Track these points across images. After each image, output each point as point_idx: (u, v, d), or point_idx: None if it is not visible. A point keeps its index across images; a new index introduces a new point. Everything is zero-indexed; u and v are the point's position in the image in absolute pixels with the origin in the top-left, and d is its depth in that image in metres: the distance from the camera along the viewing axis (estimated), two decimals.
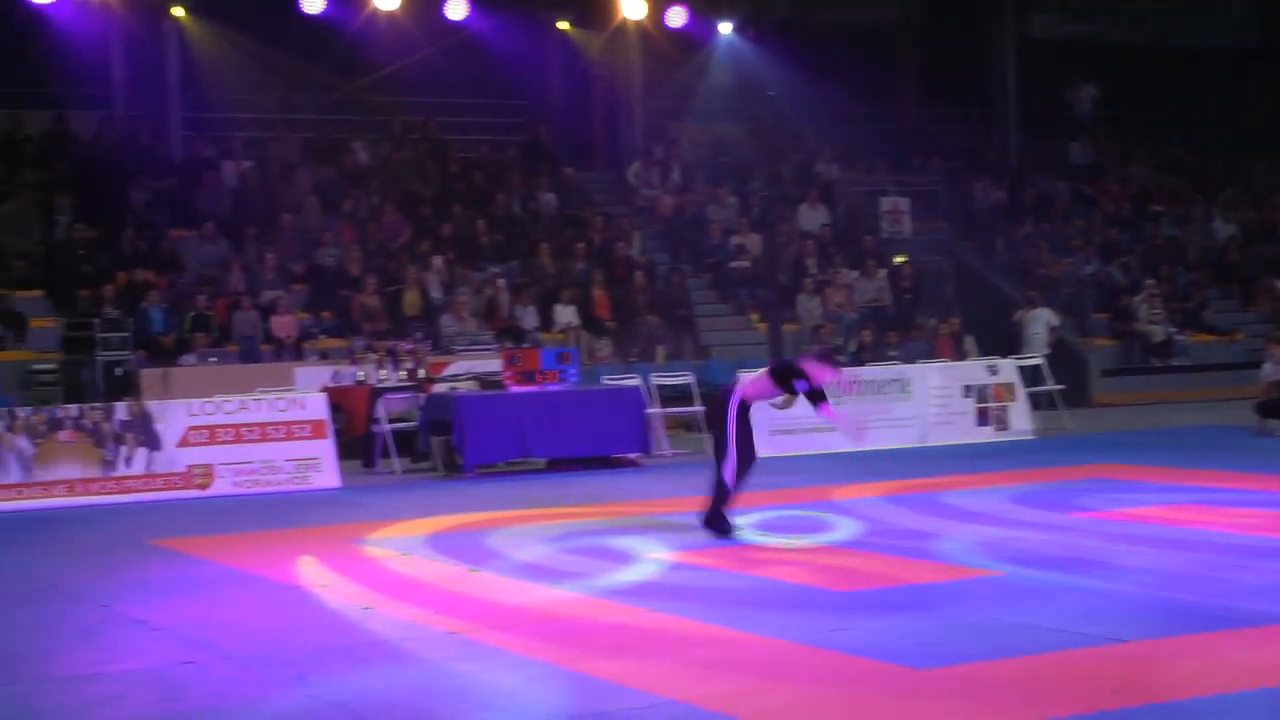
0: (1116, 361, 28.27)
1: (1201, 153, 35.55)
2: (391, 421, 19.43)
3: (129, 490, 17.17)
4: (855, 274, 27.88)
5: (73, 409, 17.60)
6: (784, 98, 27.02)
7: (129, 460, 17.26)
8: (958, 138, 34.19)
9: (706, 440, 20.53)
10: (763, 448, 19.79)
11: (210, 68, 27.42)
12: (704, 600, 10.28)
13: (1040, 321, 26.60)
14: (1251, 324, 29.72)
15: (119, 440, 17.25)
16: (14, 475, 16.80)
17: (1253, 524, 12.95)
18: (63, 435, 17.09)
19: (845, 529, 13.45)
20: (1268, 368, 21.18)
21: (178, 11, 26.85)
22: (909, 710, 7.45)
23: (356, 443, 19.68)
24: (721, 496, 13.09)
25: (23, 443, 16.87)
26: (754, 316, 26.76)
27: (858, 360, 24.11)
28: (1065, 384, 23.96)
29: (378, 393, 19.67)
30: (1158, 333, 28.32)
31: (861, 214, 30.55)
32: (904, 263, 28.84)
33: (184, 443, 17.50)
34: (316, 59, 28.69)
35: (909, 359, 23.59)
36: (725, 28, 29.12)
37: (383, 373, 20.53)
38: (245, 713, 7.82)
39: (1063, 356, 25.91)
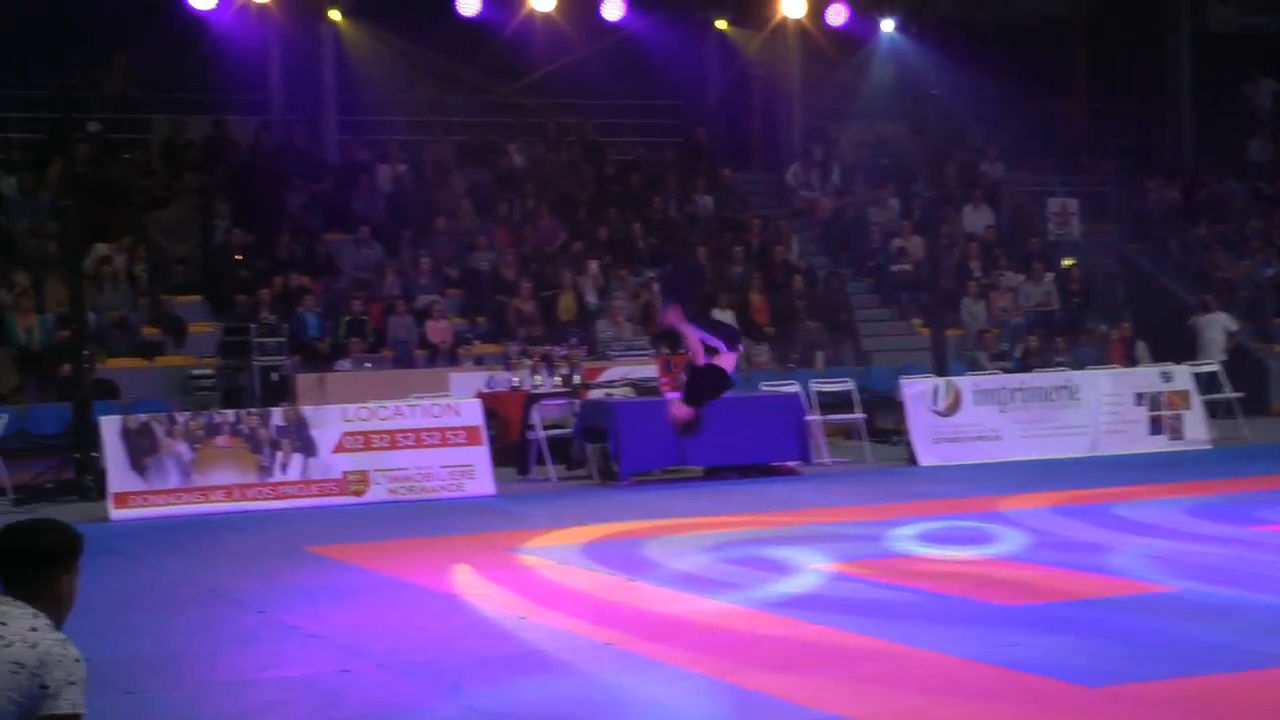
0: None
1: None
2: (546, 428, 19.51)
3: (285, 496, 17.41)
4: (1021, 277, 27.51)
5: (230, 414, 17.92)
6: (947, 96, 26.75)
7: (285, 466, 17.52)
8: (1129, 136, 33.61)
9: (868, 449, 20.53)
10: (926, 456, 19.81)
11: (366, 71, 27.74)
12: (866, 613, 10.22)
13: (1217, 326, 26.04)
14: None
15: (275, 446, 17.52)
16: (173, 480, 17.11)
17: None
18: (220, 440, 17.39)
19: (1012, 541, 13.29)
20: None
21: (334, 15, 27.21)
22: None
23: (511, 449, 19.80)
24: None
25: (181, 448, 17.20)
26: (916, 321, 26.53)
27: (1024, 366, 23.80)
28: (1244, 391, 23.44)
29: (532, 399, 19.77)
30: None
31: (1028, 215, 30.13)
32: (1072, 265, 28.42)
33: (339, 448, 17.72)
34: (472, 61, 28.90)
35: (1078, 365, 23.23)
36: (887, 25, 28.87)
37: (537, 378, 20.64)
38: None
39: (1241, 363, 25.36)
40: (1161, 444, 20.68)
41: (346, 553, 13.94)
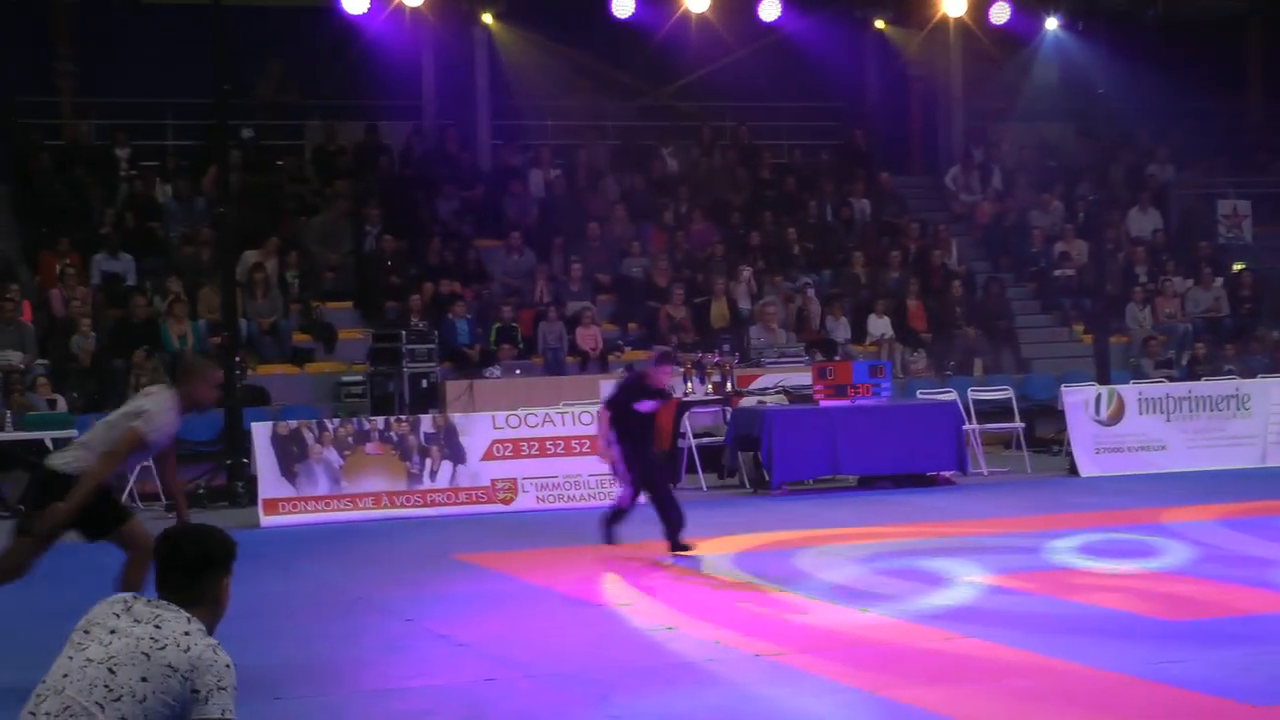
0: None
1: None
2: (698, 436, 19.56)
3: (433, 504, 17.62)
4: (1189, 282, 27.09)
5: (379, 421, 18.13)
6: (1114, 96, 26.38)
7: (434, 473, 17.72)
8: None
9: (1028, 459, 20.33)
10: (1088, 467, 19.57)
11: (518, 75, 27.95)
12: (1023, 626, 10.13)
13: None
14: None
15: (424, 453, 17.73)
16: (322, 487, 17.38)
17: None
18: (370, 447, 17.63)
19: (1176, 554, 13.10)
20: None
21: (487, 19, 27.45)
22: None
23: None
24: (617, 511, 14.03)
25: (331, 454, 17.47)
26: (1079, 328, 26.21)
27: (1191, 374, 23.43)
28: None
29: (684, 407, 19.81)
30: None
31: (1197, 218, 29.65)
32: (1243, 270, 27.93)
33: (488, 456, 17.90)
34: (625, 64, 29.02)
35: (1248, 373, 22.84)
36: (1051, 23, 28.55)
37: (689, 386, 20.68)
38: None
39: None
40: None
41: (495, 561, 14.07)
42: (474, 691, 8.84)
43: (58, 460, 9.64)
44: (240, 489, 18.34)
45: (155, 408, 9.33)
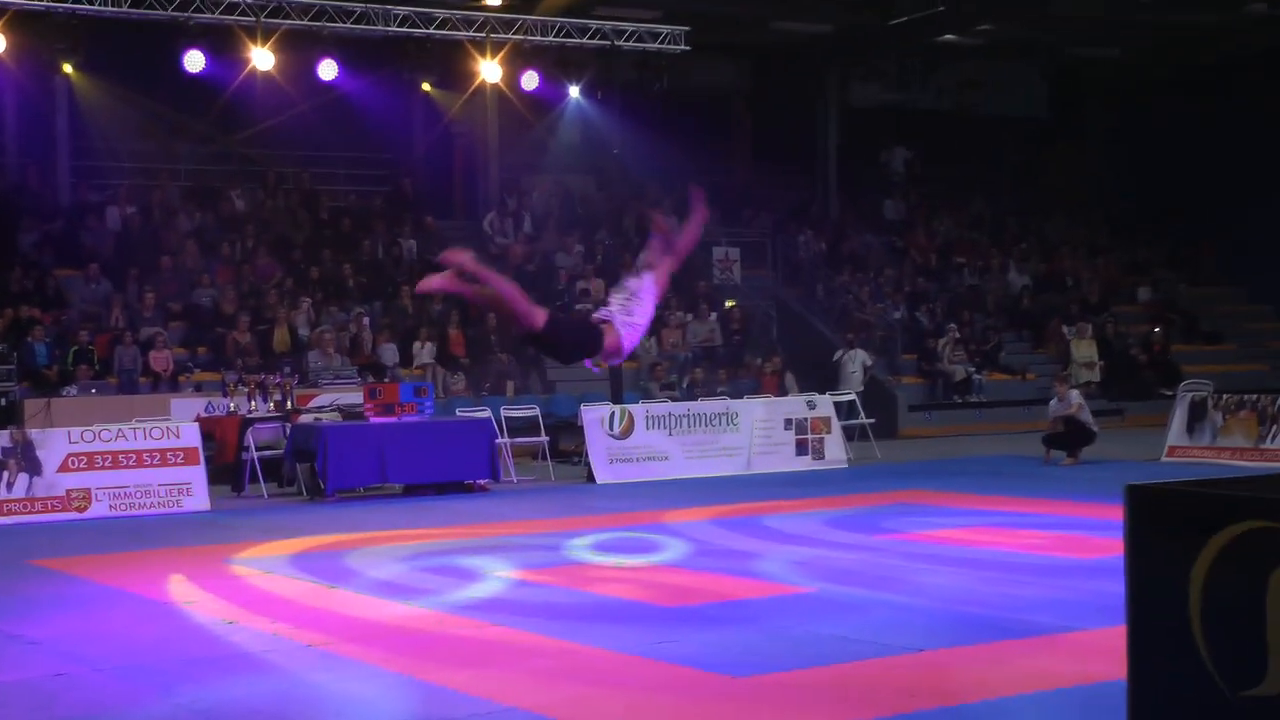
0: (921, 398, 28.64)
1: (999, 211, 36.26)
2: (260, 449, 19.15)
3: (10, 513, 16.69)
4: (689, 316, 28.03)
5: None
6: (627, 154, 27.08)
7: (10, 485, 16.82)
8: (784, 194, 34.53)
9: (551, 468, 20.64)
10: (603, 474, 20.01)
11: (97, 120, 26.93)
12: (544, 615, 10.27)
13: (856, 361, 26.93)
14: (1040, 365, 30.26)
15: (1, 466, 16.82)
16: None
17: (1037, 544, 13.25)
18: None
19: (675, 549, 13.50)
20: (1053, 404, 21.64)
21: (67, 68, 26.28)
22: (728, 715, 7.51)
23: (227, 469, 19.37)
24: None
25: None
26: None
27: (690, 395, 24.23)
28: (876, 418, 24.31)
29: (247, 422, 19.38)
30: (958, 372, 28.74)
31: (696, 262, 30.70)
32: (733, 307, 29.07)
33: (64, 468, 17.10)
34: (198, 113, 28.25)
35: (737, 394, 23.76)
36: (574, 90, 29.13)
37: (253, 404, 20.23)
38: None
39: (874, 393, 26.26)
40: (806, 463, 21.25)
41: (69, 565, 13.44)
42: (42, 686, 8.43)
43: None
44: None
45: None
